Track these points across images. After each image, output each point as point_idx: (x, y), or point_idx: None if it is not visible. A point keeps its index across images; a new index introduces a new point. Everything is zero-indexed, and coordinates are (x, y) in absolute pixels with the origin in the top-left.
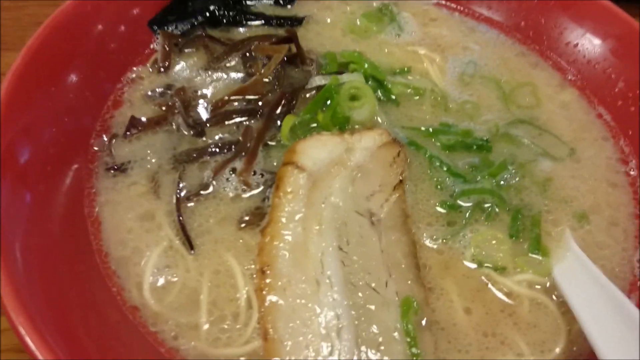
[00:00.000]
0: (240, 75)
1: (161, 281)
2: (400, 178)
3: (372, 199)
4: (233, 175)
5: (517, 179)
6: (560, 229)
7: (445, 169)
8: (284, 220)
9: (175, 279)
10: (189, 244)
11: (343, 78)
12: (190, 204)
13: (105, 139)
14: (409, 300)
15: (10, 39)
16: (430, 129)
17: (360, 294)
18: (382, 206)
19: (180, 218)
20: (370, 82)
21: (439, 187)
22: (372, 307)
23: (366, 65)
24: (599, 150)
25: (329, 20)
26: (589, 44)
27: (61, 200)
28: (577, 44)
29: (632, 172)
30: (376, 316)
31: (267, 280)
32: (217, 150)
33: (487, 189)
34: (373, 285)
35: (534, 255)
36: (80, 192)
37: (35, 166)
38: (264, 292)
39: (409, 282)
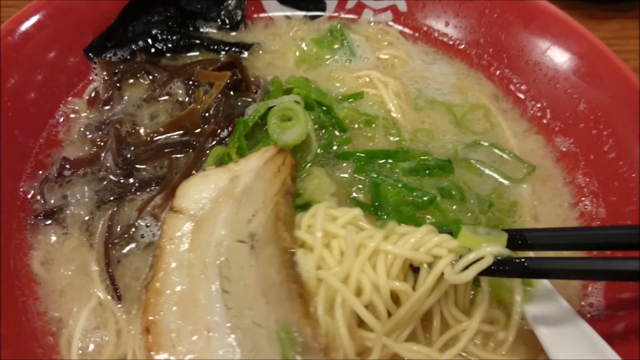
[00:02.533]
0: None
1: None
2: (283, 182)
3: (254, 219)
4: None
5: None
6: None
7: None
8: (168, 270)
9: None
10: (117, 297)
11: (272, 102)
12: (123, 250)
13: (37, 184)
14: (286, 331)
15: None
16: (389, 160)
17: (250, 336)
18: (263, 222)
19: (109, 269)
20: (319, 112)
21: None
22: (261, 348)
23: (311, 91)
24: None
25: (277, 48)
26: (550, 62)
27: None
28: (537, 62)
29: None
30: (268, 356)
31: (151, 339)
32: (143, 186)
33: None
34: (258, 321)
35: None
36: (7, 245)
37: None
38: (151, 352)
39: (285, 303)
